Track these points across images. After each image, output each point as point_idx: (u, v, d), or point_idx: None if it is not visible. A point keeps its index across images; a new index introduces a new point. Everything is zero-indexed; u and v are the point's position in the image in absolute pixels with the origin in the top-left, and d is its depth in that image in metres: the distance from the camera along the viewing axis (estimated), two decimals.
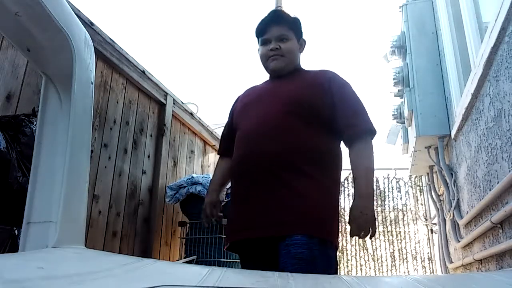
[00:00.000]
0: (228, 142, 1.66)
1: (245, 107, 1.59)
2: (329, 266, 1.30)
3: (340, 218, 1.52)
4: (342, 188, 5.47)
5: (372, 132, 1.45)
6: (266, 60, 1.58)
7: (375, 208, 1.37)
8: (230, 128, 1.67)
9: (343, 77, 1.57)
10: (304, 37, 1.65)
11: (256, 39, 1.65)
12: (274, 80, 1.62)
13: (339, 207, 1.48)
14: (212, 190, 1.70)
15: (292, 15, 1.61)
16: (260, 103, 1.53)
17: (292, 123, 1.42)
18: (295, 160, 1.37)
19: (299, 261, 1.23)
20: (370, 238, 1.34)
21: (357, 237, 1.34)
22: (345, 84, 1.54)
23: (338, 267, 1.46)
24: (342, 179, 5.45)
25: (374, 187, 1.42)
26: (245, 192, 1.42)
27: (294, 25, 1.60)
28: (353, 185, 1.39)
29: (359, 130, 1.44)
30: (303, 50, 1.66)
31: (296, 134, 1.41)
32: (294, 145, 1.39)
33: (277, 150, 1.38)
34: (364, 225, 1.31)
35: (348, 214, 1.35)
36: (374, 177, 1.42)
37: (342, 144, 1.53)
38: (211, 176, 3.08)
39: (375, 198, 1.52)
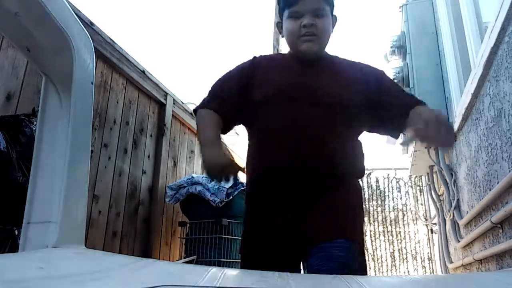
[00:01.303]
0: (235, 112, 1.35)
1: (275, 98, 1.31)
2: (363, 269, 1.24)
3: None
4: None
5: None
6: (296, 38, 1.30)
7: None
8: (243, 98, 1.34)
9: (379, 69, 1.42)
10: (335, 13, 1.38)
11: (281, 10, 1.36)
12: (302, 65, 1.35)
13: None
14: (215, 143, 1.26)
15: None
16: (294, 99, 1.29)
17: (338, 129, 1.28)
18: (341, 170, 1.28)
19: (340, 264, 1.15)
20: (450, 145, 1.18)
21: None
22: (388, 78, 1.42)
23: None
24: None
25: None
26: (283, 200, 1.27)
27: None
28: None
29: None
30: (333, 31, 1.38)
31: (340, 141, 1.29)
32: (340, 155, 1.28)
33: (322, 159, 1.25)
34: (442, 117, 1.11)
35: (417, 119, 1.15)
36: None
37: None
38: None
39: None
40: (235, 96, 1.36)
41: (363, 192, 1.42)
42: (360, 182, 1.41)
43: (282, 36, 1.39)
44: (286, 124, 1.28)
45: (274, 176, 1.28)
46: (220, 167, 1.21)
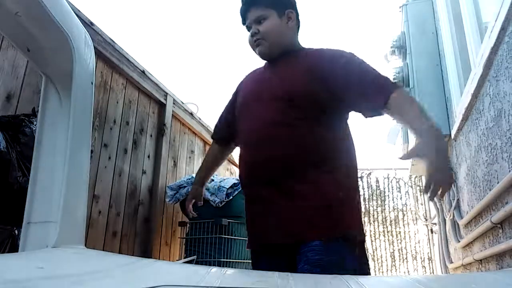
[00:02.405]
0: (225, 129, 1.64)
1: (245, 101, 1.49)
2: (353, 264, 1.20)
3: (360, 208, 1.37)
4: None
5: (398, 86, 1.28)
6: (252, 46, 1.49)
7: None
8: (230, 115, 1.58)
9: (344, 51, 1.39)
10: (293, 8, 1.48)
11: None
12: (269, 66, 1.50)
13: (357, 197, 1.34)
14: (199, 179, 1.74)
15: None
16: (257, 98, 1.42)
17: (291, 122, 1.30)
18: (301, 165, 1.27)
19: (320, 268, 1.16)
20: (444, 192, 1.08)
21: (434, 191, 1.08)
22: (349, 60, 1.35)
23: (366, 262, 1.31)
24: None
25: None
26: (256, 202, 1.36)
27: (272, 1, 1.45)
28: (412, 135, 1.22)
29: (386, 90, 1.25)
30: (295, 23, 1.49)
31: (295, 135, 1.29)
32: (296, 149, 1.28)
33: (278, 158, 1.29)
34: (444, 169, 1.09)
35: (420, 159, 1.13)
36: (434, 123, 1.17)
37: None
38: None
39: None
40: (225, 115, 1.64)
41: (345, 181, 1.31)
42: (341, 171, 1.30)
43: None
44: (250, 122, 1.42)
45: (244, 173, 1.42)
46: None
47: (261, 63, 1.58)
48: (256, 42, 1.45)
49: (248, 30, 1.48)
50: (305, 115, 1.31)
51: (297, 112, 1.31)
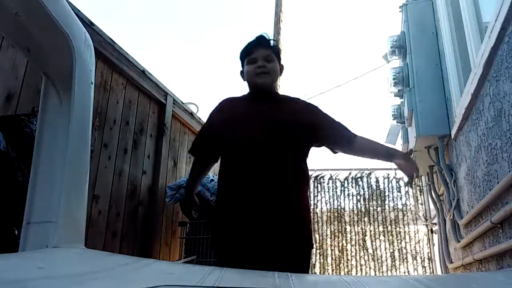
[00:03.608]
0: (206, 148, 1.80)
1: (235, 128, 1.67)
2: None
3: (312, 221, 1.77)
4: (342, 188, 5.48)
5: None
6: (253, 76, 1.69)
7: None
8: (211, 136, 1.76)
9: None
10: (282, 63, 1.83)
11: (241, 62, 1.77)
12: (258, 100, 1.72)
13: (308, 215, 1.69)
14: (190, 191, 1.91)
15: (274, 42, 1.81)
16: (252, 128, 1.62)
17: (289, 154, 1.61)
18: (290, 192, 1.59)
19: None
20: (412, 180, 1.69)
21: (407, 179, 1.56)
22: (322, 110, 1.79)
23: (312, 264, 1.64)
24: (342, 179, 5.50)
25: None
26: (246, 219, 1.56)
27: (276, 50, 1.78)
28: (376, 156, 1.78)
29: (355, 134, 1.76)
30: (281, 76, 1.84)
31: (294, 166, 1.63)
32: (295, 178, 1.61)
33: (278, 186, 1.56)
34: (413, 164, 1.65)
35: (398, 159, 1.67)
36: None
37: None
38: (211, 177, 3.10)
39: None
40: (210, 137, 1.79)
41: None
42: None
43: (245, 80, 1.77)
44: (248, 150, 1.61)
45: (241, 197, 1.64)
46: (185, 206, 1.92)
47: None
48: (261, 74, 1.67)
49: (250, 63, 1.70)
50: (294, 146, 1.66)
51: (290, 143, 1.63)
